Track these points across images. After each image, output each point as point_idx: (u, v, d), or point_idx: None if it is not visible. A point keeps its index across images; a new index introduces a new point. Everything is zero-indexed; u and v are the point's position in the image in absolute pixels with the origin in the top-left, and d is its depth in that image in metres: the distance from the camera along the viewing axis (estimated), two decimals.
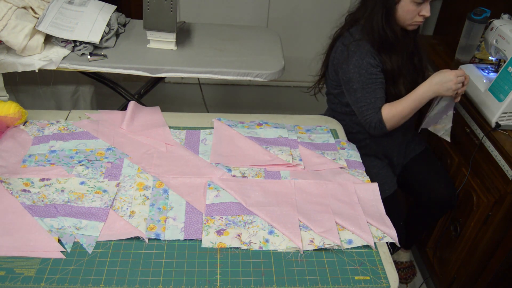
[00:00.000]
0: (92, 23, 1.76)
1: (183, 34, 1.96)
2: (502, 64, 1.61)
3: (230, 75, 1.74)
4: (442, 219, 1.84)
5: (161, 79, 1.93)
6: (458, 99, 1.49)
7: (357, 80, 1.48)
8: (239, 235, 1.10)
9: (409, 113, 1.49)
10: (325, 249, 1.09)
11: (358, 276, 1.04)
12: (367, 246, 1.11)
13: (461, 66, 1.76)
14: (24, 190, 1.18)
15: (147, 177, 1.26)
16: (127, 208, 1.16)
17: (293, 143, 1.43)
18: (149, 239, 1.09)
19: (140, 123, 1.47)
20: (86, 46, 1.71)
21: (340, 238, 1.11)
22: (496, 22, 1.62)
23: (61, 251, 1.04)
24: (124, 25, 1.96)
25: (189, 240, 1.09)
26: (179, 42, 1.88)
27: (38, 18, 1.68)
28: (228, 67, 1.74)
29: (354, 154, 1.43)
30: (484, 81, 1.65)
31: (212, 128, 1.49)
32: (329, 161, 1.37)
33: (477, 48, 1.89)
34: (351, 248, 1.10)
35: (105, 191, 1.20)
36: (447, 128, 1.58)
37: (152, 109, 1.54)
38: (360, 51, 1.48)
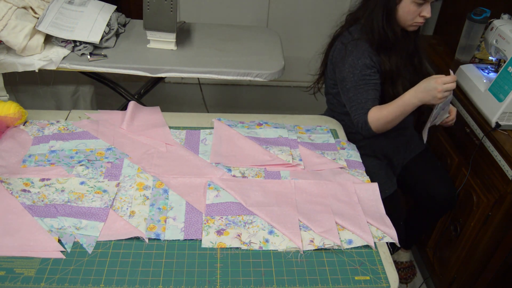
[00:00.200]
0: (92, 23, 1.76)
1: (183, 34, 1.96)
2: (502, 64, 1.61)
3: (230, 75, 1.74)
4: (442, 219, 1.84)
5: (161, 79, 1.93)
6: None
7: (350, 80, 1.48)
8: (239, 235, 1.10)
9: (395, 119, 1.43)
10: (325, 249, 1.09)
11: (358, 276, 1.04)
12: (367, 246, 1.11)
13: (461, 66, 1.76)
14: (24, 190, 1.18)
15: (147, 177, 1.26)
16: (127, 208, 1.16)
17: (293, 143, 1.43)
18: (149, 239, 1.09)
19: (140, 123, 1.47)
20: (86, 46, 1.71)
21: (340, 238, 1.11)
22: (496, 22, 1.62)
23: (61, 251, 1.04)
24: (124, 25, 1.96)
25: (189, 240, 1.09)
26: (179, 42, 1.88)
27: (38, 18, 1.68)
28: (228, 67, 1.74)
29: (354, 154, 1.43)
30: (484, 81, 1.64)
31: (212, 128, 1.49)
32: (329, 161, 1.37)
33: (477, 48, 1.89)
34: (351, 248, 1.10)
35: (105, 191, 1.20)
36: (444, 117, 1.55)
37: (152, 109, 1.54)
38: (357, 50, 1.48)
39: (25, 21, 1.62)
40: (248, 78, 1.75)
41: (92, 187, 1.21)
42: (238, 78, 1.74)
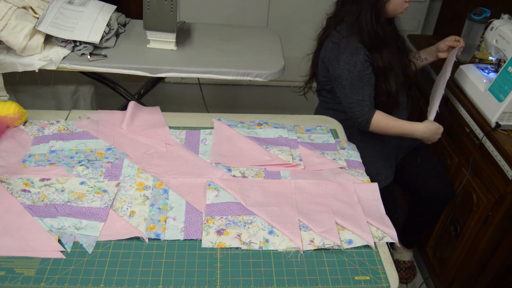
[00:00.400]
0: (92, 23, 1.76)
1: (183, 34, 1.96)
2: (502, 64, 1.61)
3: (230, 75, 1.74)
4: (442, 219, 1.84)
5: (161, 79, 1.93)
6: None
7: (346, 77, 1.52)
8: (239, 235, 1.10)
9: (394, 134, 1.58)
10: (325, 249, 1.09)
11: (358, 276, 1.04)
12: (367, 246, 1.11)
13: (461, 66, 1.76)
14: (24, 190, 1.18)
15: (147, 177, 1.26)
16: (127, 208, 1.16)
17: (293, 143, 1.43)
18: (149, 239, 1.09)
19: (140, 123, 1.47)
20: (86, 46, 1.71)
21: (340, 238, 1.11)
22: (496, 22, 1.62)
23: (61, 251, 1.04)
24: (124, 25, 1.96)
25: (189, 240, 1.09)
26: (179, 42, 1.88)
27: (38, 18, 1.68)
28: (228, 67, 1.74)
29: (354, 154, 1.43)
30: (484, 81, 1.65)
31: (212, 128, 1.49)
32: (329, 161, 1.37)
33: (477, 48, 1.89)
34: (351, 248, 1.10)
35: (105, 191, 1.20)
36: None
37: (152, 109, 1.54)
38: (350, 47, 1.51)
39: (25, 21, 1.62)
40: (248, 78, 1.75)
41: (92, 187, 1.21)
42: (238, 78, 1.74)
